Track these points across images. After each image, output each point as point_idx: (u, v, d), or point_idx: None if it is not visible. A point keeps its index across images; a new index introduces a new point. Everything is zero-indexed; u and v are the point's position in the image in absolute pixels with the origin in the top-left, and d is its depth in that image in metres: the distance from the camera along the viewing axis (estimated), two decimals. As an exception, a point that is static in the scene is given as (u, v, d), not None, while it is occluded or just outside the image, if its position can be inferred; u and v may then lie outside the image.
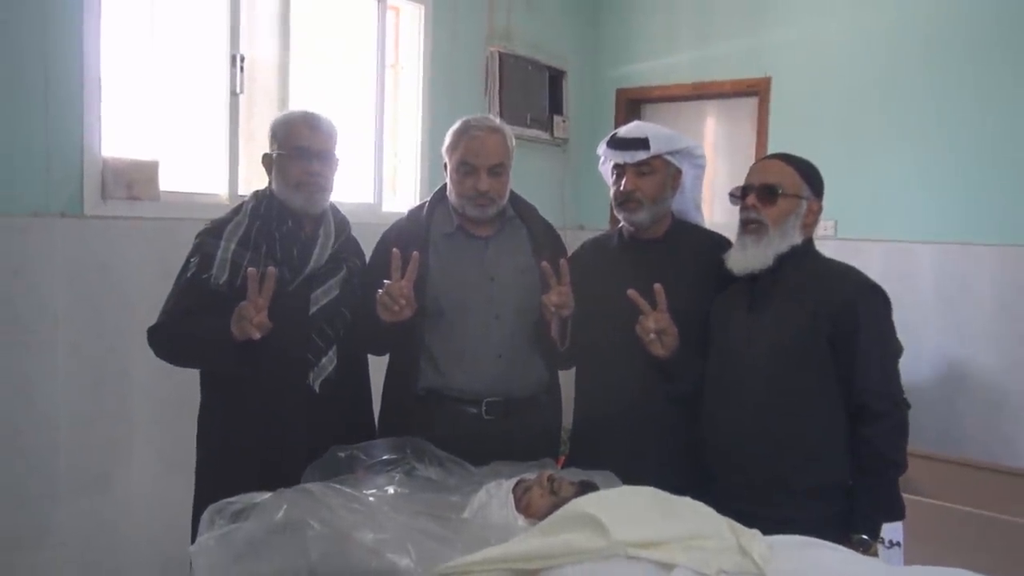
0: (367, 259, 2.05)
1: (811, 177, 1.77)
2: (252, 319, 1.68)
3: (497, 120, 2.00)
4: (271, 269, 1.72)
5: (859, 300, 1.69)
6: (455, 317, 1.91)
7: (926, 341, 3.54)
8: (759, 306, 1.77)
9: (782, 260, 1.73)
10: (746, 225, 1.76)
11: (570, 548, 1.29)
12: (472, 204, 1.92)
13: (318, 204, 1.90)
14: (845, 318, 1.68)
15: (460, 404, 1.90)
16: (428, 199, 2.05)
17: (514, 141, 1.99)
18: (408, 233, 1.94)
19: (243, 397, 1.84)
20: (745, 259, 1.75)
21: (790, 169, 1.76)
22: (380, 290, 1.76)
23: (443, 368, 1.90)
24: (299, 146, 1.86)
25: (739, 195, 1.79)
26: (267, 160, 1.93)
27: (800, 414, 1.71)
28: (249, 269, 1.72)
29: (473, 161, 1.89)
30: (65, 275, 2.37)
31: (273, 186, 1.90)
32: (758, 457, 1.72)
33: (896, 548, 1.72)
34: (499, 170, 1.92)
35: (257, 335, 1.69)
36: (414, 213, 2.05)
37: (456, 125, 1.96)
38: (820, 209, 1.80)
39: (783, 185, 1.73)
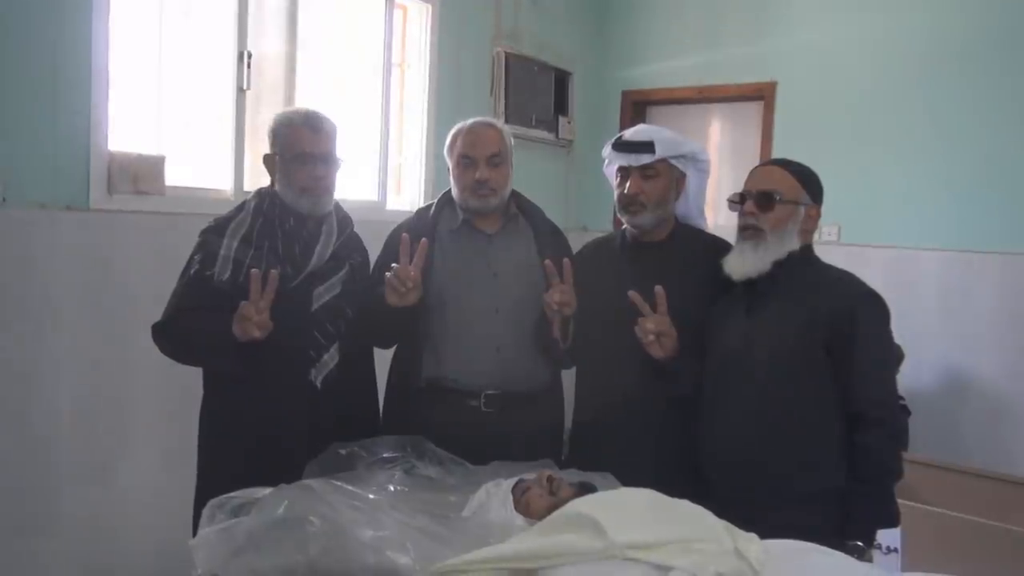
0: (370, 256, 2.07)
1: (809, 183, 1.78)
2: (253, 319, 1.69)
3: (493, 119, 2.06)
4: (273, 272, 1.73)
5: (857, 307, 1.69)
6: (456, 309, 1.94)
7: (928, 348, 3.55)
8: (757, 311, 1.77)
9: (780, 266, 1.74)
10: (744, 231, 1.77)
11: (568, 549, 1.30)
12: (473, 195, 1.96)
13: (324, 207, 1.91)
14: (842, 325, 1.68)
15: (460, 396, 1.92)
16: (436, 199, 2.08)
17: (512, 139, 2.04)
18: (415, 230, 1.96)
19: (245, 393, 1.84)
20: (743, 264, 1.76)
21: (788, 175, 1.76)
22: (388, 273, 1.79)
23: (444, 360, 1.93)
24: (303, 151, 1.86)
25: (738, 201, 1.80)
26: (269, 161, 1.93)
27: (797, 420, 1.71)
28: (252, 270, 1.73)
29: (471, 153, 1.94)
30: (70, 268, 2.38)
31: (277, 188, 1.91)
32: (754, 462, 1.72)
33: (894, 554, 1.72)
34: (497, 160, 1.96)
35: (258, 335, 1.70)
36: (422, 212, 2.09)
37: (455, 127, 2.02)
38: (819, 215, 1.80)
39: (781, 191, 1.74)
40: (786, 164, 1.80)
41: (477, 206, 1.97)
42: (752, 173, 1.83)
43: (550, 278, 1.84)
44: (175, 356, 1.89)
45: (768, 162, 1.91)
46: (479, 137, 1.95)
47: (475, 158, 1.94)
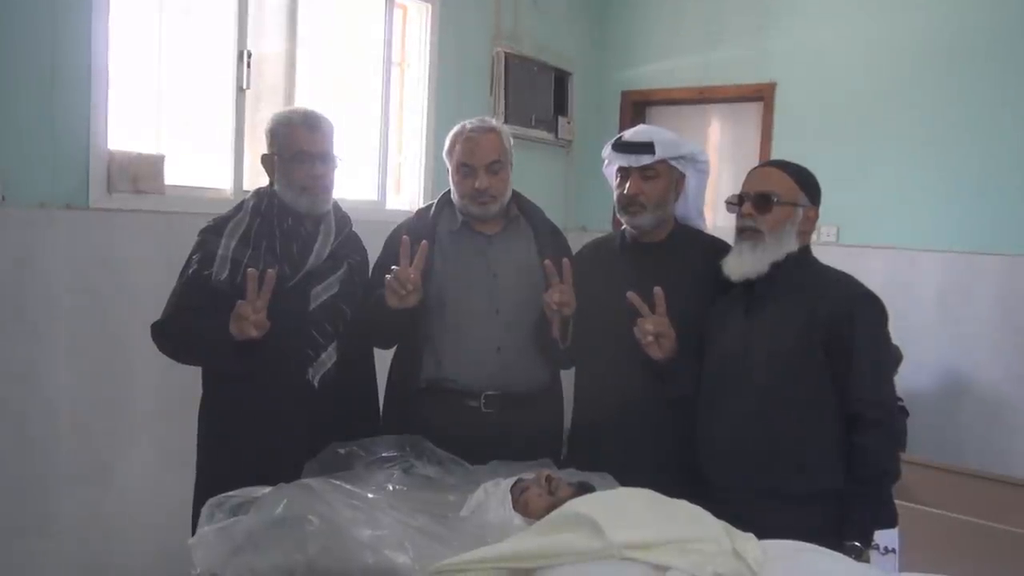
0: (369, 256, 2.07)
1: (807, 184, 1.78)
2: (250, 318, 1.69)
3: (492, 120, 2.04)
4: (270, 271, 1.73)
5: (854, 309, 1.69)
6: (457, 311, 1.94)
7: (927, 349, 3.55)
8: (755, 312, 1.77)
9: (778, 267, 1.74)
10: (742, 232, 1.77)
11: (566, 548, 1.30)
12: (474, 203, 1.96)
13: (323, 205, 1.92)
14: (840, 326, 1.68)
15: (460, 396, 1.93)
16: (436, 200, 2.08)
17: (511, 141, 2.03)
18: (415, 231, 1.97)
19: (244, 392, 1.85)
20: (741, 265, 1.76)
21: (786, 177, 1.76)
22: (388, 275, 1.79)
23: (444, 360, 1.93)
24: (301, 150, 1.86)
25: (736, 203, 1.80)
26: (268, 161, 1.93)
27: (794, 421, 1.71)
28: (248, 270, 1.73)
29: (470, 162, 1.94)
30: (69, 266, 2.38)
31: (276, 188, 1.91)
32: (752, 462, 1.72)
33: (891, 555, 1.73)
34: (496, 167, 1.95)
35: (255, 334, 1.70)
36: (422, 212, 2.09)
37: (454, 129, 2.00)
38: (817, 216, 1.80)
39: (778, 193, 1.74)
40: (784, 166, 1.81)
41: (478, 213, 1.97)
42: (750, 175, 1.83)
43: (550, 278, 1.85)
44: (174, 355, 1.90)
45: (766, 163, 1.91)
46: (478, 144, 1.94)
47: (474, 166, 1.93)
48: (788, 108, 4.01)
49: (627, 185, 1.92)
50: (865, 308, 1.71)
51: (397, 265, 1.80)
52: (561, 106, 4.36)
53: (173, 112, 2.74)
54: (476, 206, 1.96)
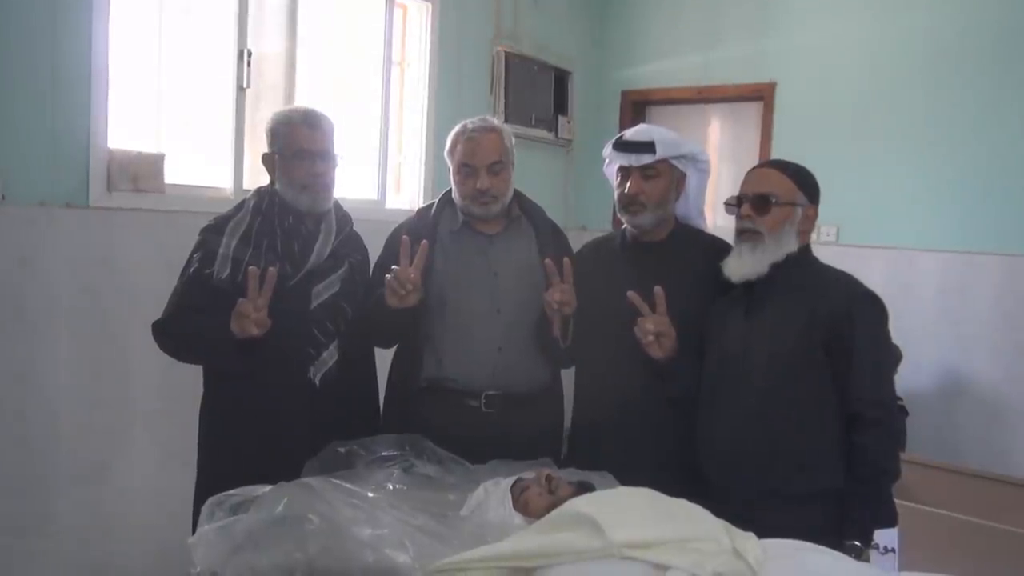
0: (370, 255, 2.07)
1: (806, 184, 1.78)
2: (251, 316, 1.69)
3: (494, 120, 2.03)
4: (271, 269, 1.73)
5: (854, 308, 1.70)
6: (458, 310, 1.95)
7: (926, 349, 3.55)
8: (755, 313, 1.77)
9: (778, 267, 1.74)
10: (742, 234, 1.77)
11: (566, 547, 1.30)
12: (475, 203, 1.96)
13: (324, 203, 1.92)
14: (840, 326, 1.68)
15: (460, 396, 1.93)
16: (437, 199, 2.08)
17: (513, 140, 2.02)
18: (416, 230, 1.97)
19: (245, 390, 1.85)
20: (741, 266, 1.76)
21: (784, 177, 1.76)
22: (388, 275, 1.79)
23: (444, 360, 1.94)
24: (302, 148, 1.87)
25: (735, 204, 1.80)
26: (268, 160, 1.93)
27: (795, 420, 1.71)
28: (250, 268, 1.73)
29: (471, 162, 1.93)
30: (69, 265, 2.38)
31: (277, 186, 1.92)
32: (752, 462, 1.73)
33: (891, 554, 1.73)
34: (498, 168, 1.95)
35: (256, 332, 1.71)
36: (423, 212, 2.09)
37: (455, 129, 2.00)
38: (816, 215, 1.80)
39: (777, 194, 1.74)
40: (782, 166, 1.80)
41: (479, 213, 1.97)
42: (748, 176, 1.82)
43: (550, 277, 1.85)
44: (175, 354, 1.90)
45: (764, 164, 1.91)
46: (479, 145, 1.93)
47: (475, 166, 1.93)
48: (788, 108, 4.00)
49: (628, 184, 1.92)
50: (865, 308, 1.71)
51: (397, 265, 1.80)
52: (561, 105, 4.36)
53: (173, 112, 2.75)
54: (477, 206, 1.96)
